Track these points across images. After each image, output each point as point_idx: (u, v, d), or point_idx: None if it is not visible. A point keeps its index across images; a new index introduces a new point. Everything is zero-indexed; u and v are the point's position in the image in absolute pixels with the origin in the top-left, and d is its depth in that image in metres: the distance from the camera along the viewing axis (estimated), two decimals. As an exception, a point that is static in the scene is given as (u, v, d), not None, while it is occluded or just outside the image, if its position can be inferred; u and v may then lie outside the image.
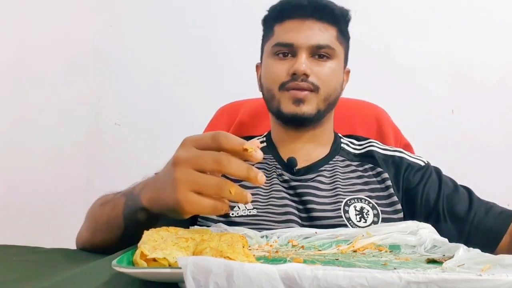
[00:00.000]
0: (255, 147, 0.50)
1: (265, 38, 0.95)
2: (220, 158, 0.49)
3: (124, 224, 0.64)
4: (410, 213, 0.84)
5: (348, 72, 0.97)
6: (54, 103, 1.70)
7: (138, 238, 0.55)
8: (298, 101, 0.86)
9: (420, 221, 0.80)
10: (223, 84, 1.66)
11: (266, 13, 0.95)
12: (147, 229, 0.57)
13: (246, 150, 0.49)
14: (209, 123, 1.19)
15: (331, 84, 0.88)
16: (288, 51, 0.88)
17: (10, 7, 1.63)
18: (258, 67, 0.99)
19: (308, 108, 0.86)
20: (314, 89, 0.86)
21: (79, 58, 1.75)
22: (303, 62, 0.85)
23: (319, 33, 0.87)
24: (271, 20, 0.93)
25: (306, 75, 0.85)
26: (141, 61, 1.76)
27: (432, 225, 0.76)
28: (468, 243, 0.59)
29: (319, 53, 0.87)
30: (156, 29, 1.76)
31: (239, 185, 0.51)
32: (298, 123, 0.89)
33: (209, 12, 1.72)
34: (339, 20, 0.90)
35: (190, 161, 0.50)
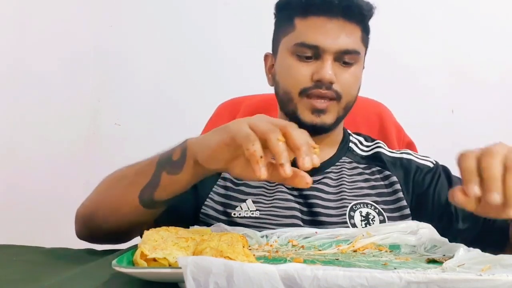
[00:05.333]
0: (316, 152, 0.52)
1: (282, 29, 0.86)
2: (290, 123, 0.53)
3: (155, 169, 0.65)
4: (420, 217, 0.79)
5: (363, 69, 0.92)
6: (54, 103, 1.70)
7: (160, 193, 0.64)
8: (319, 112, 0.81)
9: (433, 225, 0.77)
10: (223, 84, 1.65)
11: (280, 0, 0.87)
12: (173, 183, 0.63)
13: (314, 148, 0.52)
14: (209, 120, 1.18)
15: (353, 92, 0.84)
16: (311, 53, 0.81)
17: (10, 7, 1.63)
18: (268, 57, 0.92)
19: (328, 118, 0.82)
20: (337, 98, 0.81)
21: (79, 58, 1.74)
22: (329, 69, 0.79)
23: (347, 36, 0.81)
24: (291, 10, 0.84)
25: (331, 83, 0.80)
26: (141, 61, 1.76)
27: (445, 228, 0.75)
28: (480, 243, 0.58)
29: (344, 59, 0.81)
30: (156, 29, 1.76)
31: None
32: (315, 132, 0.83)
33: (209, 11, 1.72)
34: (365, 18, 0.84)
35: (265, 116, 0.56)
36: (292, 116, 0.85)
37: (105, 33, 1.76)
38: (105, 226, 0.71)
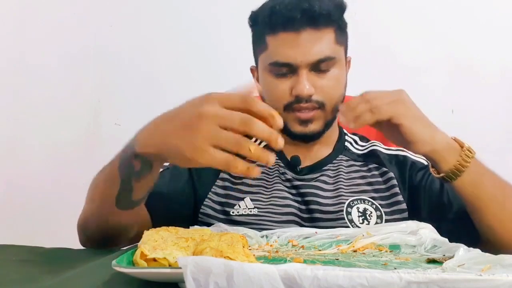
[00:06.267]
0: (278, 115, 0.53)
1: (257, 46, 0.88)
2: (248, 119, 0.51)
3: (119, 178, 0.64)
4: (415, 210, 0.84)
5: (349, 60, 0.91)
6: (54, 103, 1.70)
7: (133, 194, 0.64)
8: (306, 122, 0.83)
9: (425, 217, 0.80)
10: (224, 84, 1.64)
11: (252, 13, 0.88)
12: (140, 180, 0.63)
13: (272, 116, 0.52)
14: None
15: (336, 95, 0.84)
16: (287, 70, 0.82)
17: (10, 6, 1.63)
18: (253, 70, 0.93)
19: (316, 126, 0.83)
20: (320, 106, 0.82)
21: (79, 58, 1.74)
22: (305, 84, 0.80)
23: (317, 45, 0.81)
24: (261, 28, 0.85)
25: (310, 96, 0.81)
26: (141, 61, 1.76)
27: (438, 220, 0.77)
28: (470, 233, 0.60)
29: (320, 67, 0.81)
30: (157, 29, 1.76)
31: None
32: (307, 139, 0.87)
33: (209, 11, 1.72)
34: (335, 19, 0.84)
35: (218, 118, 0.52)
36: (284, 128, 0.86)
37: (105, 33, 1.76)
38: (98, 233, 0.72)
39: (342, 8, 0.85)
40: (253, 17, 0.88)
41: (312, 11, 0.79)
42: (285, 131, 0.86)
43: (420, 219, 0.81)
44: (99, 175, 0.72)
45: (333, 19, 0.83)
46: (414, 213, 0.83)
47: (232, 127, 0.51)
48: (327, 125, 0.86)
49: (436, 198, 0.83)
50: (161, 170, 0.72)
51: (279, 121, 0.52)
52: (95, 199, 0.71)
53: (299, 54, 0.80)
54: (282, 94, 0.82)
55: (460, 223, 0.77)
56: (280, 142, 0.52)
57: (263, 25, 0.85)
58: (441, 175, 0.70)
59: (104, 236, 0.72)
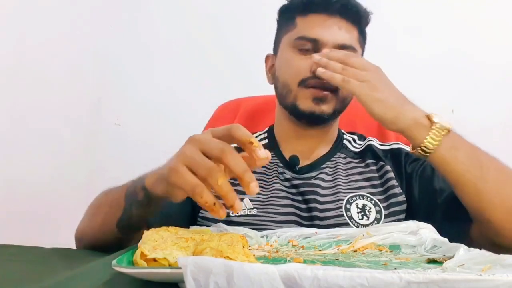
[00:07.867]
0: (261, 145, 0.51)
1: (284, 29, 0.91)
2: (225, 148, 0.51)
3: (124, 204, 0.66)
4: (410, 198, 0.85)
5: None
6: (54, 103, 1.70)
7: (135, 221, 0.64)
8: (318, 100, 0.84)
9: (418, 204, 0.83)
10: (225, 84, 1.65)
11: (285, 2, 0.92)
12: (145, 213, 0.63)
13: (251, 143, 0.51)
14: (209, 121, 1.18)
15: None
16: (311, 46, 0.84)
17: (10, 6, 1.63)
18: (268, 58, 0.96)
19: (327, 108, 0.84)
20: (335, 89, 0.84)
21: (79, 58, 1.74)
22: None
23: (344, 33, 0.85)
24: (293, 11, 0.89)
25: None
26: (141, 61, 1.76)
27: (430, 206, 0.79)
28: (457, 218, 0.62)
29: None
30: (156, 29, 1.76)
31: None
32: (313, 121, 0.87)
33: (210, 11, 1.72)
34: (361, 21, 0.88)
35: (200, 142, 0.52)
36: (292, 108, 0.87)
37: (105, 33, 1.76)
38: (95, 244, 0.72)
39: (367, 14, 0.90)
40: (285, 6, 0.92)
41: (346, 0, 0.85)
42: (293, 111, 0.88)
43: (414, 207, 0.82)
44: (104, 197, 0.73)
45: (359, 18, 0.88)
46: (410, 201, 0.85)
47: (210, 152, 0.51)
48: (335, 113, 0.87)
49: (427, 184, 0.84)
50: None
51: (261, 152, 0.50)
52: (97, 218, 0.72)
53: (327, 33, 0.84)
54: (301, 68, 0.84)
55: (451, 206, 0.77)
56: (253, 188, 0.49)
57: (295, 8, 0.89)
58: (413, 151, 0.72)
59: (100, 246, 0.72)
